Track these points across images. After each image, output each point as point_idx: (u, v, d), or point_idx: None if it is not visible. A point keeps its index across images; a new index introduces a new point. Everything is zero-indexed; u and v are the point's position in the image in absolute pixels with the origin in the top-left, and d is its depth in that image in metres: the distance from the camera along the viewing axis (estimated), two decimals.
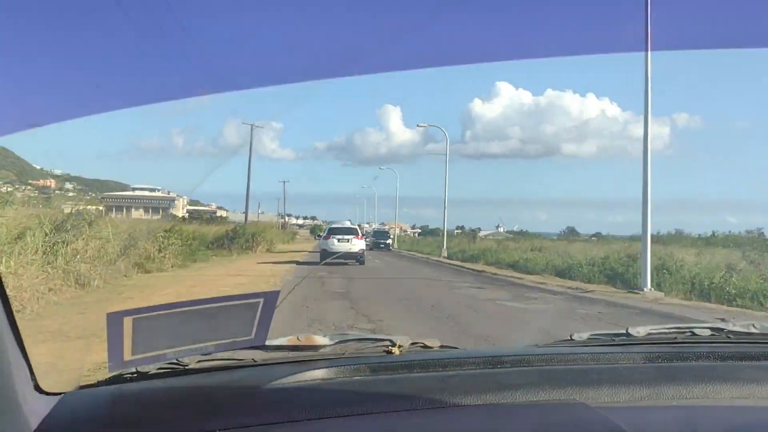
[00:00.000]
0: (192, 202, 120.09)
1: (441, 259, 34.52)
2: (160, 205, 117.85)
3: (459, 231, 70.95)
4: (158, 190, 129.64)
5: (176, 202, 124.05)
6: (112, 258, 13.61)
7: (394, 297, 13.18)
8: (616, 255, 23.26)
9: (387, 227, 68.37)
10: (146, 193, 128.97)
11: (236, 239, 30.67)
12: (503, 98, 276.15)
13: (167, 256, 18.70)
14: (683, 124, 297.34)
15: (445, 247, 37.51)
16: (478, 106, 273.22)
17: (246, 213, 41.85)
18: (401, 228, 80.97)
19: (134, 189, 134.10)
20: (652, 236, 37.30)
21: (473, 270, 24.49)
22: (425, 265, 27.76)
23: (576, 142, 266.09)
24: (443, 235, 40.09)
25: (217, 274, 16.72)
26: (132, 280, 14.59)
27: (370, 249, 42.50)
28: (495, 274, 22.45)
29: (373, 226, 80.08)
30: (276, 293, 1.23)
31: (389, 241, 50.00)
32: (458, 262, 30.74)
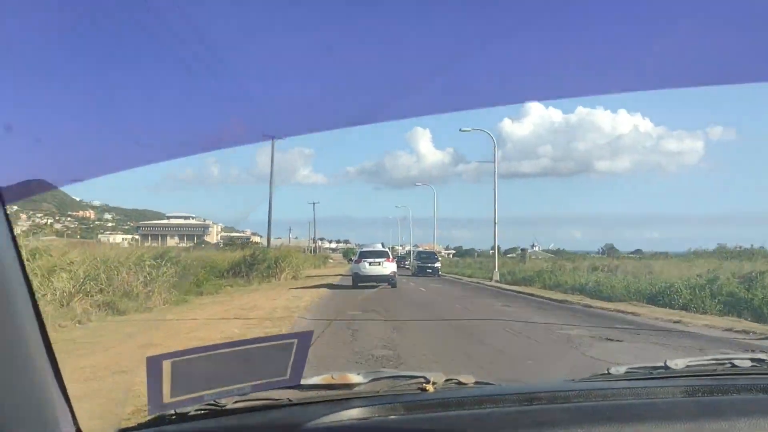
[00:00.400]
0: (226, 229, 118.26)
1: (494, 283, 29.73)
2: (194, 233, 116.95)
3: (492, 252, 65.94)
4: (193, 218, 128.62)
5: (210, 229, 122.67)
6: (53, 298, 9.60)
7: (483, 373, 6.24)
8: (729, 276, 18.25)
9: (420, 248, 62.56)
10: (181, 221, 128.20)
11: (256, 265, 26.62)
12: (533, 117, 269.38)
13: (156, 290, 14.69)
14: (718, 137, 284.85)
15: (496, 269, 32.76)
16: (507, 126, 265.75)
17: (269, 235, 37.38)
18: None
19: (169, 217, 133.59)
20: (730, 251, 30.67)
21: (550, 300, 19.31)
22: (485, 294, 22.61)
23: (609, 159, 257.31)
24: (494, 256, 35.54)
25: (207, 317, 12.47)
26: (88, 329, 10.56)
27: (415, 275, 37.86)
28: (588, 306, 16.74)
29: (407, 248, 74.78)
30: (310, 333, 1.27)
31: (438, 264, 40.12)
32: (518, 287, 25.94)
